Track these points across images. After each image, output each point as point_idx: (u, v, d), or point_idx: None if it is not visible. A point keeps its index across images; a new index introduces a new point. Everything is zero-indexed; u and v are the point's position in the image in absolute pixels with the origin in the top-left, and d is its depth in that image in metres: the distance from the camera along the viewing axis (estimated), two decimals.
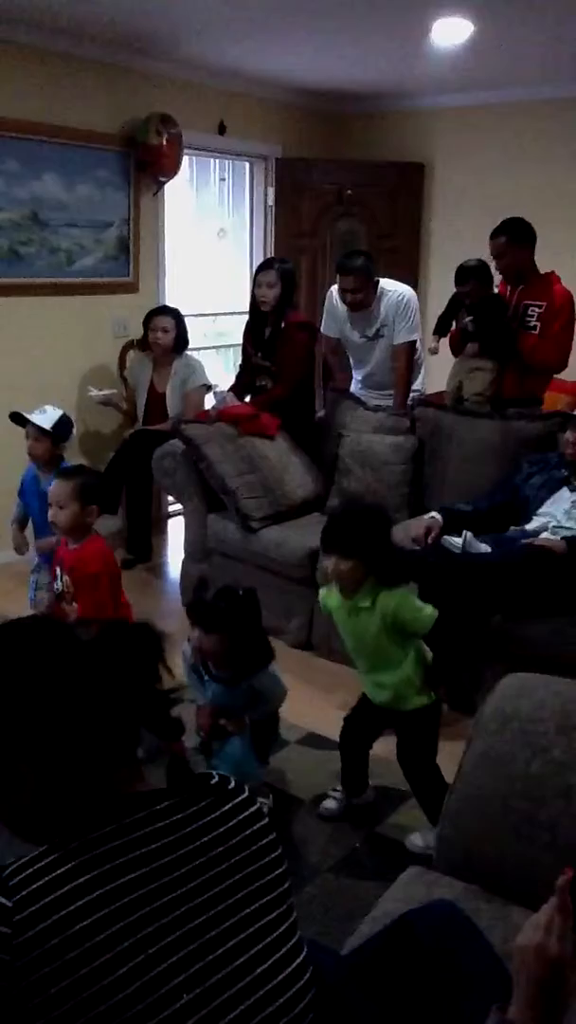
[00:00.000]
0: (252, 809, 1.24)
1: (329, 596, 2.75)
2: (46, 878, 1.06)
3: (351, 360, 5.01)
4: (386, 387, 4.84)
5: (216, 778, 1.26)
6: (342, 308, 4.73)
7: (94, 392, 5.07)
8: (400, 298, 4.65)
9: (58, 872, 1.06)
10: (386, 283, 4.69)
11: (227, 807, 1.22)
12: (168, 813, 1.16)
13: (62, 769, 1.14)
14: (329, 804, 2.90)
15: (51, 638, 1.22)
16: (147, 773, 1.23)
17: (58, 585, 3.16)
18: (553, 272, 4.51)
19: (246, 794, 1.26)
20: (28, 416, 3.60)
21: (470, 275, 4.39)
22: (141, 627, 1.27)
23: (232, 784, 1.27)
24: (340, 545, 2.58)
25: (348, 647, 2.76)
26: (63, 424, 3.67)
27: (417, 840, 2.72)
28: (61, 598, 3.14)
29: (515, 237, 4.42)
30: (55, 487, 3.10)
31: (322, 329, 4.94)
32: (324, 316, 4.94)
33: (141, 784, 1.20)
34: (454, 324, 4.58)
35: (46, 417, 3.62)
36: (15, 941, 1.01)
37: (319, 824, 2.86)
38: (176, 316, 5.07)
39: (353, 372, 5.04)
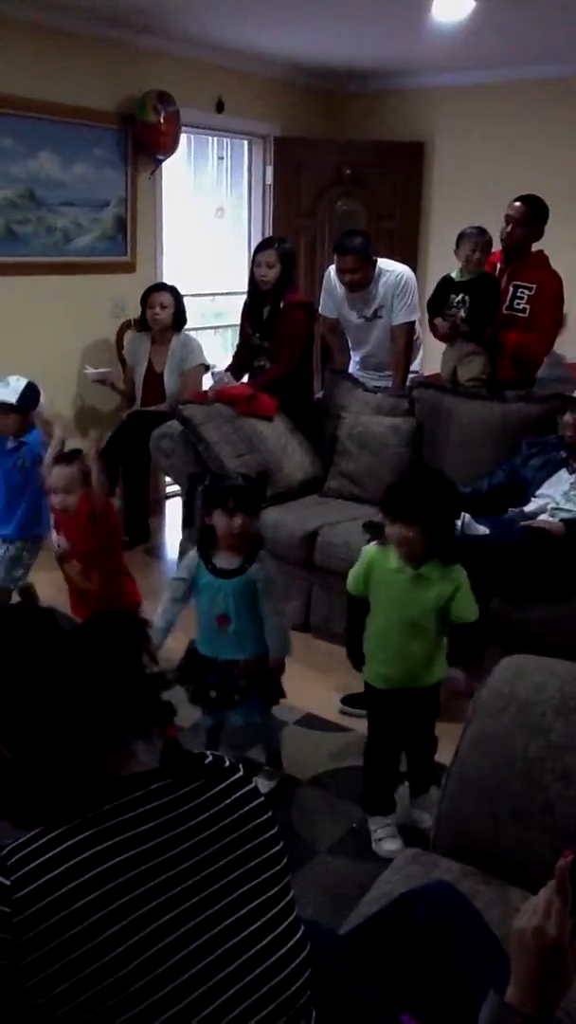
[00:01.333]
0: (248, 788, 1.25)
1: (382, 557, 2.59)
2: (44, 857, 1.06)
3: (349, 341, 4.98)
4: (385, 368, 4.82)
5: (211, 758, 1.26)
6: (340, 288, 4.70)
7: (90, 370, 5.05)
8: (398, 278, 4.62)
9: (56, 851, 1.07)
10: (384, 263, 4.65)
11: (222, 786, 1.22)
12: (163, 793, 1.17)
13: (42, 752, 1.15)
14: (390, 845, 2.62)
15: (29, 626, 1.22)
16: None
17: (58, 545, 3.22)
18: (542, 251, 4.49)
19: (241, 773, 1.26)
20: None
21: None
22: (122, 615, 1.27)
23: (227, 763, 1.27)
24: (407, 511, 2.47)
25: (390, 616, 2.59)
26: (28, 395, 3.62)
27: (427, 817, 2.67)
28: (63, 559, 3.22)
29: (537, 215, 4.39)
30: (58, 474, 3.08)
31: (320, 310, 4.91)
32: (322, 296, 4.91)
33: (135, 766, 1.20)
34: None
35: (10, 390, 3.57)
36: (15, 920, 1.02)
37: (317, 805, 2.87)
38: (174, 292, 5.03)
39: (351, 353, 5.01)
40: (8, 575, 3.75)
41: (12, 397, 3.55)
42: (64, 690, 1.15)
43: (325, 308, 4.89)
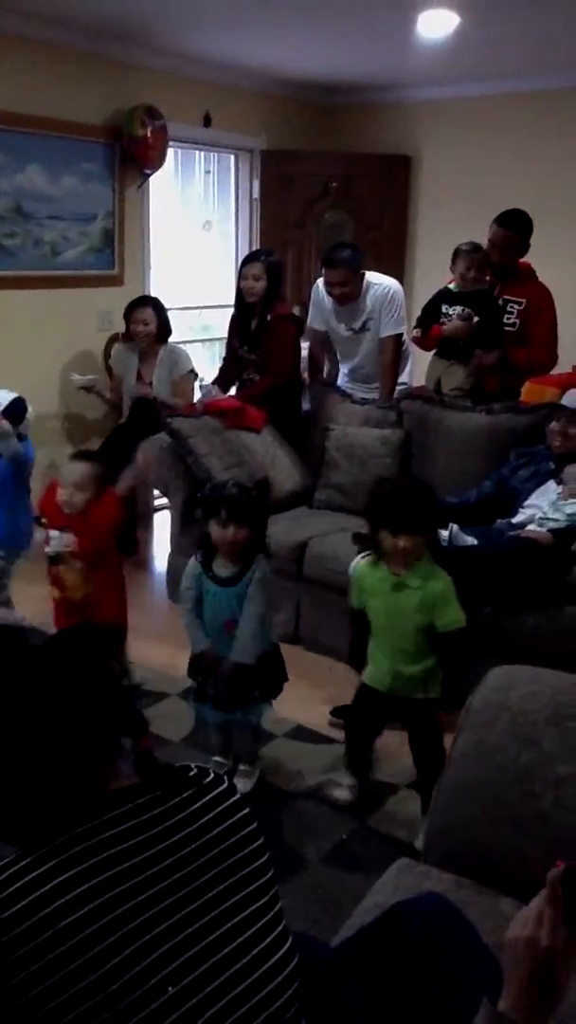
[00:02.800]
0: (233, 799, 1.24)
1: (371, 569, 2.71)
2: (29, 876, 1.05)
3: (338, 353, 4.99)
4: (373, 380, 4.83)
5: (195, 769, 1.26)
6: (328, 301, 4.71)
7: (76, 377, 5.04)
8: (386, 292, 4.64)
9: (41, 870, 1.06)
10: (372, 276, 4.67)
11: (208, 798, 1.21)
12: (149, 807, 1.16)
13: (22, 772, 1.13)
14: (342, 793, 2.91)
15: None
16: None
17: (54, 547, 3.12)
18: (529, 264, 4.51)
19: (226, 784, 1.26)
20: None
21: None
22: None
23: (212, 775, 1.26)
24: (414, 523, 2.57)
25: (378, 624, 2.72)
26: (16, 406, 3.68)
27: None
28: (58, 561, 3.11)
29: (519, 234, 4.39)
30: (75, 468, 3.11)
31: (308, 322, 4.92)
32: (310, 309, 4.92)
33: (120, 781, 1.19)
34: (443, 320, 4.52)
35: None
36: (1, 940, 1.01)
37: (308, 816, 2.85)
38: (156, 306, 5.04)
39: (340, 365, 5.02)
40: None
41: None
42: (36, 708, 1.13)
43: (313, 320, 4.90)
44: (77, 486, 3.07)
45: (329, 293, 4.64)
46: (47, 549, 3.15)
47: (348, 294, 4.58)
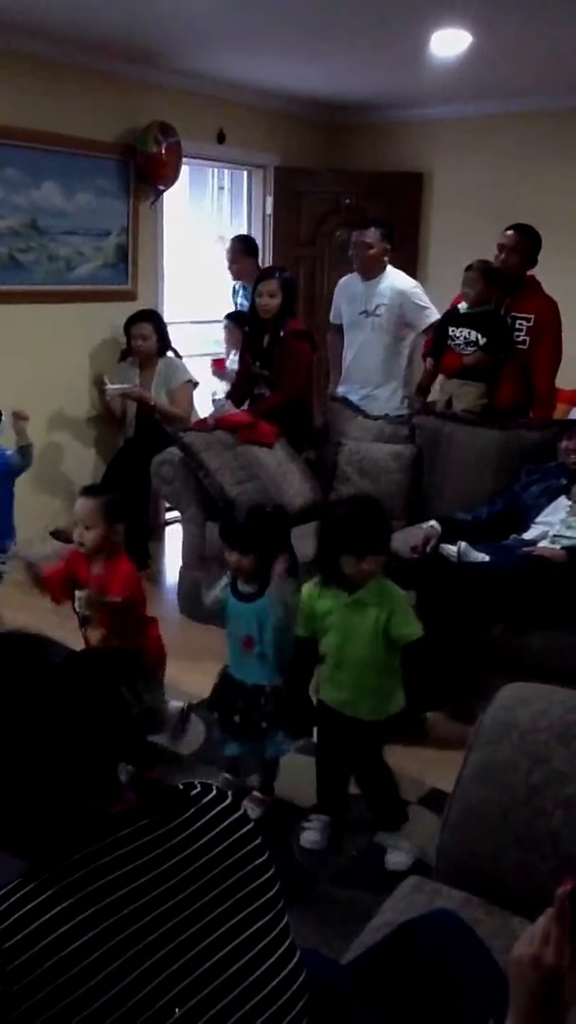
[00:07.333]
0: (236, 815, 1.24)
1: (319, 596, 2.63)
2: (32, 903, 1.05)
3: (344, 343, 5.09)
4: (369, 382, 4.92)
5: (198, 787, 1.25)
6: (351, 280, 4.90)
7: (110, 386, 5.04)
8: (398, 288, 4.78)
9: (44, 896, 1.05)
10: (394, 271, 4.84)
11: (208, 817, 1.21)
12: (149, 829, 1.15)
13: (26, 791, 1.11)
14: (311, 836, 2.78)
15: (15, 657, 1.17)
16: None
17: (80, 608, 2.98)
18: (534, 277, 4.52)
19: (229, 800, 1.25)
20: None
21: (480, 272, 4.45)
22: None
23: (215, 792, 1.25)
24: (376, 544, 2.54)
25: (333, 645, 2.62)
26: None
27: (399, 857, 2.67)
28: (86, 622, 2.97)
29: (530, 243, 4.43)
30: (81, 506, 2.96)
31: (331, 317, 5.12)
32: (333, 300, 5.09)
33: (122, 803, 1.18)
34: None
35: None
36: (5, 969, 1.01)
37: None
38: (154, 320, 5.09)
39: (344, 356, 5.10)
40: None
41: None
42: (45, 727, 1.11)
43: (335, 316, 5.09)
44: (85, 524, 2.93)
45: (355, 256, 4.83)
46: (76, 608, 3.03)
47: (370, 259, 4.75)
